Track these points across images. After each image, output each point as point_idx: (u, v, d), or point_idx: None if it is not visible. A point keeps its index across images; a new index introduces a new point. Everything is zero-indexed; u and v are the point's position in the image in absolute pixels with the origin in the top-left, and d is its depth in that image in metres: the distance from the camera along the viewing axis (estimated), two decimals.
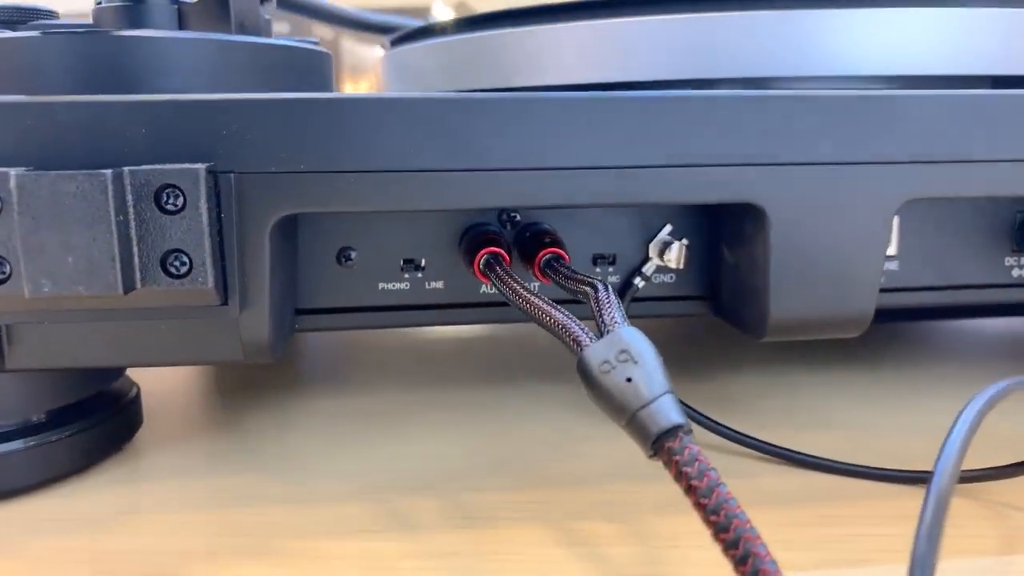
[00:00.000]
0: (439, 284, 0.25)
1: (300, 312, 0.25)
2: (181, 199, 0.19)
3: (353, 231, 0.25)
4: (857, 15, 0.26)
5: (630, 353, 0.16)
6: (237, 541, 0.20)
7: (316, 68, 0.28)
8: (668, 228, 0.26)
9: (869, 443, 0.25)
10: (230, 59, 0.25)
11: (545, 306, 0.19)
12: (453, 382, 0.32)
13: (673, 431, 0.15)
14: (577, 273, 0.21)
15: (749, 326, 0.24)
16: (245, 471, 0.24)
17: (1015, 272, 0.28)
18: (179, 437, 0.27)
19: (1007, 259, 0.27)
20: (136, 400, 0.27)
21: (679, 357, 0.34)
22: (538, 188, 0.21)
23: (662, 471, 0.23)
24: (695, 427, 0.25)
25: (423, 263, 0.25)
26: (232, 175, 0.20)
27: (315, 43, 0.28)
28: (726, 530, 0.13)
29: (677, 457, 0.14)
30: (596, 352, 0.16)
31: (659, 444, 0.15)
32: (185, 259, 0.19)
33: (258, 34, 0.27)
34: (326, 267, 0.25)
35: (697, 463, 0.14)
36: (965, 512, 0.21)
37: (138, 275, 0.19)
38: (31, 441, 0.23)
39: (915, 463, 0.22)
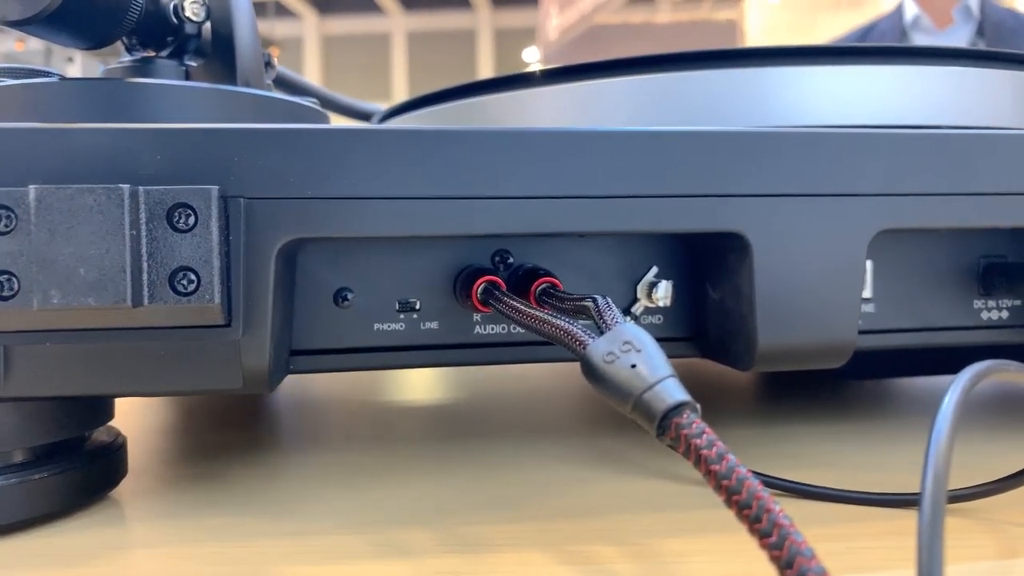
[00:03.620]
0: (434, 325, 0.26)
1: (296, 353, 0.25)
2: (193, 218, 0.19)
3: (350, 272, 0.25)
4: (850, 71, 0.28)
5: (632, 344, 0.16)
6: (232, 569, 0.20)
7: (315, 123, 0.29)
8: (654, 270, 0.27)
9: (857, 477, 0.26)
10: (235, 108, 0.26)
11: (546, 316, 0.19)
12: (437, 438, 0.32)
13: (679, 408, 0.15)
14: (573, 294, 0.22)
15: (737, 359, 0.25)
16: (234, 513, 0.24)
17: (983, 314, 0.29)
18: (164, 487, 0.26)
19: (975, 302, 0.29)
20: (122, 449, 0.26)
21: None
22: (533, 215, 0.22)
23: (660, 503, 0.23)
24: None
25: (418, 304, 0.26)
26: (241, 200, 0.21)
27: (315, 102, 0.29)
28: (739, 492, 0.14)
29: (685, 431, 0.15)
30: (599, 346, 0.17)
31: (667, 422, 0.15)
32: (193, 277, 0.19)
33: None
34: (323, 308, 0.25)
35: (705, 435, 0.15)
36: (961, 528, 0.21)
37: (146, 291, 0.19)
38: (12, 478, 0.22)
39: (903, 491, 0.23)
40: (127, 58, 0.28)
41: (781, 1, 4.69)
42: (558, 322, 0.19)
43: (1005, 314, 0.29)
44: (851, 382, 0.40)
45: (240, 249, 0.21)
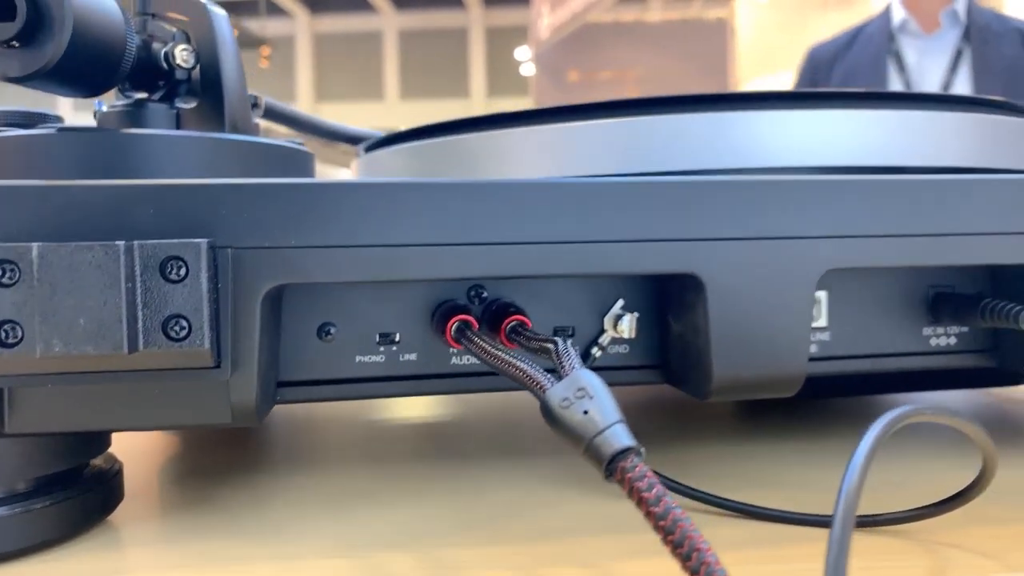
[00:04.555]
0: (413, 356, 0.27)
1: (282, 384, 0.27)
2: (184, 269, 0.21)
3: (333, 308, 0.27)
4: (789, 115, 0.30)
5: (586, 390, 0.18)
6: None
7: (301, 164, 0.31)
8: (621, 302, 0.28)
9: (814, 497, 0.27)
10: (224, 154, 0.27)
11: (511, 359, 0.21)
12: (422, 461, 0.33)
13: (625, 452, 0.17)
14: (540, 334, 0.23)
15: (695, 389, 0.27)
16: (226, 537, 0.25)
17: (932, 341, 0.31)
18: (158, 511, 0.28)
19: (925, 330, 0.31)
20: (118, 475, 0.27)
21: (643, 430, 0.36)
22: (501, 261, 0.24)
23: (622, 525, 0.25)
24: None
25: (398, 337, 0.27)
26: (229, 250, 0.22)
27: (300, 144, 0.31)
28: (672, 532, 0.15)
29: (629, 474, 0.16)
30: (557, 392, 0.18)
31: (613, 465, 0.17)
32: (185, 324, 0.21)
33: (248, 134, 0.30)
34: (307, 341, 0.27)
35: (647, 478, 0.16)
36: (897, 549, 0.23)
37: (141, 338, 0.21)
38: (16, 508, 0.24)
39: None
40: (120, 101, 0.30)
41: (770, 0, 4.72)
42: (521, 365, 0.20)
43: (953, 340, 0.31)
44: (819, 400, 0.41)
45: (228, 296, 0.22)
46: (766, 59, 4.31)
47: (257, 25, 7.04)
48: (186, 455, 0.35)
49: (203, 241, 0.21)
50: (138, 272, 0.21)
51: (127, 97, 0.30)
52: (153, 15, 0.30)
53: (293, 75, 8.39)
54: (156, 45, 0.29)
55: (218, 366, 0.22)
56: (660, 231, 0.25)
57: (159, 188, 0.22)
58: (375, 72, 8.34)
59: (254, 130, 0.31)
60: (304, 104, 8.53)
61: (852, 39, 1.70)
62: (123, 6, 0.27)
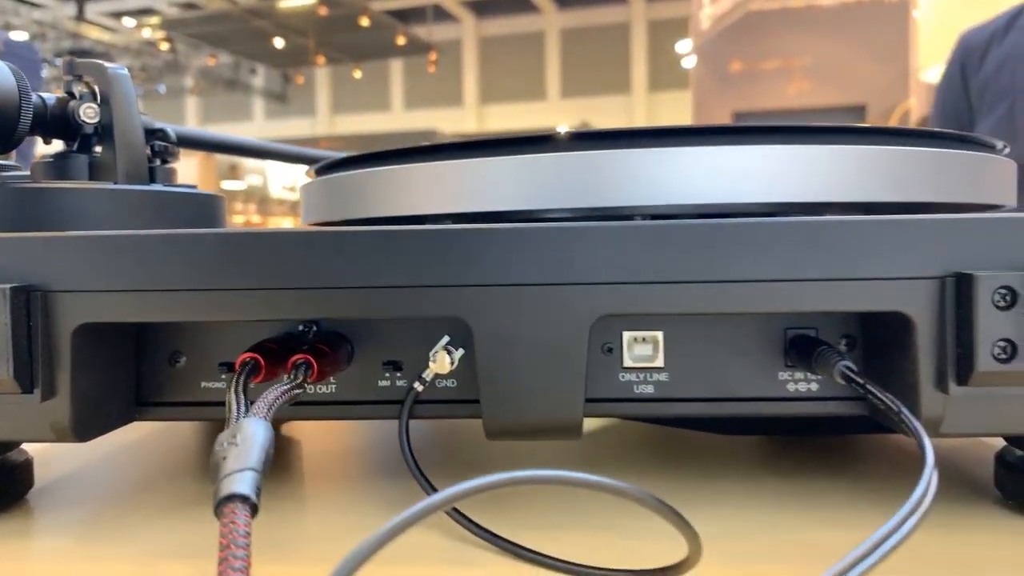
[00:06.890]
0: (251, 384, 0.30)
1: (142, 404, 0.30)
2: None
3: (182, 338, 0.30)
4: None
5: (238, 437, 0.20)
6: None
7: (203, 207, 0.34)
8: (445, 339, 0.29)
9: (615, 543, 0.27)
10: (114, 202, 0.31)
11: (232, 398, 0.23)
12: (284, 479, 0.36)
13: (230, 499, 0.18)
14: (299, 375, 0.25)
15: (484, 426, 0.27)
16: (64, 536, 0.29)
17: (790, 386, 0.29)
18: (55, 505, 0.32)
19: (781, 374, 0.29)
20: (27, 467, 0.32)
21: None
22: (276, 305, 0.26)
23: (449, 557, 0.26)
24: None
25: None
26: (39, 292, 0.26)
27: (192, 187, 0.34)
28: None
29: (223, 519, 0.18)
30: (222, 435, 0.20)
31: (219, 508, 0.18)
32: None
33: (143, 182, 0.34)
34: (161, 368, 0.30)
35: (232, 526, 0.18)
36: None
37: None
38: None
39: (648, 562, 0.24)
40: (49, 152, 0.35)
41: None
42: (233, 404, 0.22)
43: (814, 386, 0.29)
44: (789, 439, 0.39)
45: (39, 332, 0.26)
46: (947, 44, 3.93)
47: (425, 31, 7.37)
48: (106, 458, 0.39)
49: (7, 287, 0.25)
50: None
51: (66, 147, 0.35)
52: (80, 77, 0.35)
53: (460, 79, 8.71)
54: (72, 103, 0.34)
55: (31, 391, 0.26)
56: (430, 277, 0.25)
57: None
58: (538, 72, 8.46)
59: (164, 175, 0.35)
60: (470, 106, 8.83)
61: (1011, 21, 1.53)
62: (19, 73, 0.31)
